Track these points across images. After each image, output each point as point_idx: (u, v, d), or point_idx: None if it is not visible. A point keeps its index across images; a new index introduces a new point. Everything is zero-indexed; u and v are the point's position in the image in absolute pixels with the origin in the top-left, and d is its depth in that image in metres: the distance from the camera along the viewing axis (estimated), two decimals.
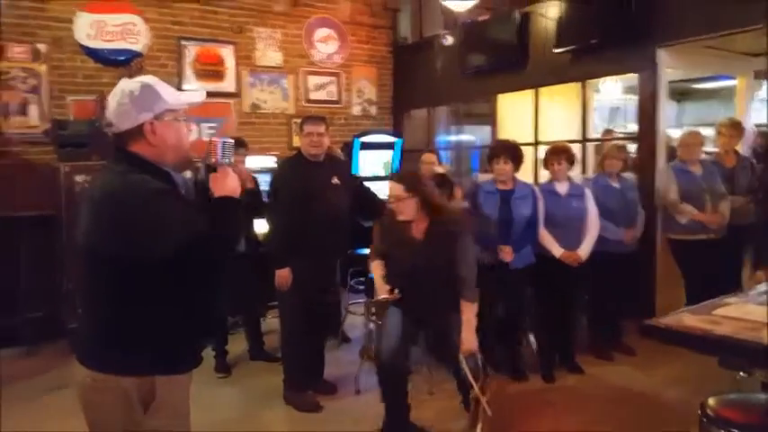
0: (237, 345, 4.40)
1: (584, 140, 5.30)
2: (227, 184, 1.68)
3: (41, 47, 5.03)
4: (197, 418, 1.86)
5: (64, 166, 4.56)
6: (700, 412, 1.96)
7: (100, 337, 1.64)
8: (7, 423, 3.35)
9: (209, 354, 4.09)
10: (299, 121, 4.38)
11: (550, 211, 3.86)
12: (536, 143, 5.63)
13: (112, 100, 1.65)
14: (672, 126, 9.51)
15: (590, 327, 4.30)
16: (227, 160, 1.71)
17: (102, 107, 4.97)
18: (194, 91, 1.73)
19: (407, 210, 2.91)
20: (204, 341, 1.85)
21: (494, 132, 6.35)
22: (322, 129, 3.45)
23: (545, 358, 3.95)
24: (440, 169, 5.16)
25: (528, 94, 5.72)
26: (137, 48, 5.34)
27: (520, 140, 5.46)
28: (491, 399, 2.43)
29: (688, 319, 2.06)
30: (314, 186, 3.38)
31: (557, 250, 3.79)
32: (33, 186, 4.78)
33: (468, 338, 2.85)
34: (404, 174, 3.50)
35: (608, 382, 3.83)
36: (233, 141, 1.76)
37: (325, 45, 6.54)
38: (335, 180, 3.48)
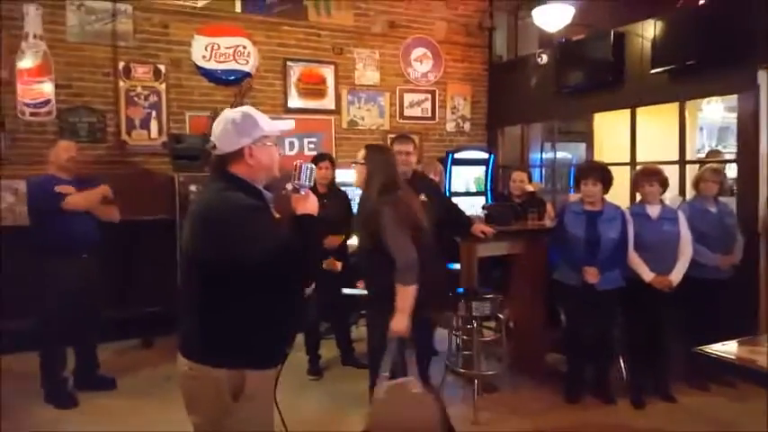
0: (330, 350, 4.61)
1: (683, 162, 5.10)
2: (307, 204, 1.86)
3: (162, 67, 5.51)
4: (285, 415, 2.02)
5: (179, 176, 4.94)
6: None
7: (198, 333, 1.85)
8: (126, 408, 3.74)
9: (303, 357, 4.34)
10: (393, 136, 4.56)
11: (641, 235, 3.79)
12: (633, 163, 5.48)
13: (217, 126, 1.88)
14: None
15: (686, 354, 4.12)
16: (308, 183, 1.90)
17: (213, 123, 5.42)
18: (285, 120, 1.97)
19: (358, 176, 3.05)
20: (290, 341, 2.02)
21: (589, 151, 6.26)
22: (410, 147, 3.59)
23: (634, 384, 3.86)
24: (530, 187, 5.18)
25: (625, 114, 5.59)
26: (246, 68, 5.75)
27: (616, 160, 5.44)
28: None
29: (735, 348, 2.02)
30: None
31: (647, 274, 3.71)
32: (152, 193, 5.22)
33: (397, 320, 2.81)
34: (373, 144, 3.56)
35: (700, 412, 3.69)
36: (314, 167, 1.95)
37: (421, 64, 6.71)
38: (423, 197, 3.61)
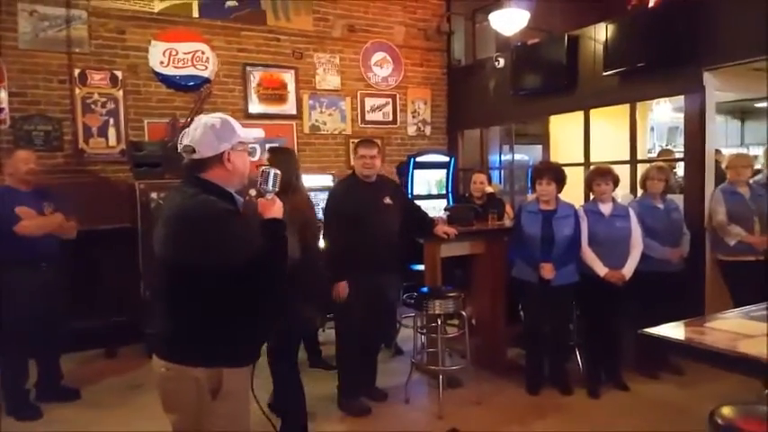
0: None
1: (634, 161, 5.32)
2: (274, 208, 1.94)
3: (119, 73, 5.43)
4: (257, 417, 2.08)
5: (139, 184, 4.88)
6: (708, 419, 2.04)
7: (174, 334, 1.90)
8: (90, 418, 3.70)
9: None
10: (355, 141, 4.63)
11: (594, 231, 3.95)
12: (587, 163, 5.69)
13: (195, 131, 1.92)
14: (735, 146, 9.31)
15: (636, 344, 4.32)
16: (274, 188, 1.97)
17: (173, 129, 5.37)
18: (256, 128, 2.03)
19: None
20: (263, 339, 2.11)
21: (546, 152, 6.45)
22: (374, 152, 3.68)
23: (590, 374, 4.03)
24: (489, 189, 5.33)
25: (579, 115, 5.80)
26: (205, 74, 5.72)
27: (571, 160, 5.63)
28: None
29: (681, 330, 2.17)
30: (366, 205, 3.61)
31: (601, 269, 3.88)
32: (112, 202, 5.17)
33: None
34: (276, 147, 3.69)
35: (652, 398, 3.88)
36: (279, 173, 2.01)
37: (381, 68, 6.80)
38: (387, 200, 3.70)
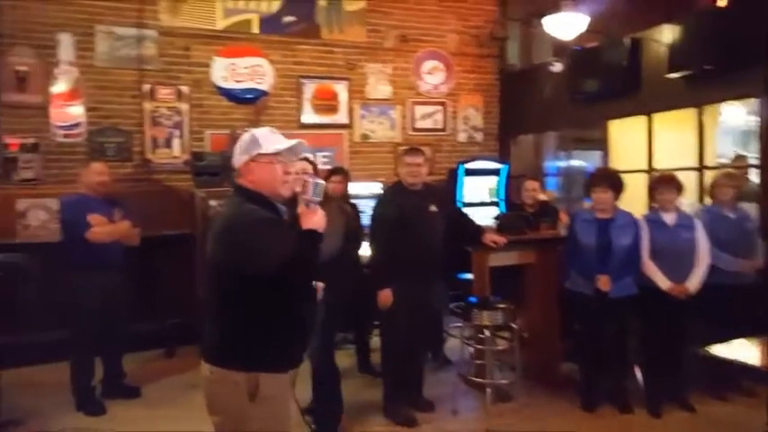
0: (346, 359, 4.67)
1: (701, 168, 5.05)
2: (314, 220, 1.97)
3: (184, 88, 5.74)
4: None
5: (199, 192, 5.13)
6: None
7: (217, 339, 2.00)
8: (150, 416, 3.89)
9: None
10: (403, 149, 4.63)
11: (657, 242, 3.76)
12: (650, 170, 5.45)
13: (236, 146, 2.06)
14: None
15: (703, 362, 4.08)
16: (316, 198, 1.99)
17: (233, 140, 5.58)
18: (294, 140, 2.07)
19: None
20: (301, 347, 2.14)
21: (605, 158, 6.23)
22: (420, 159, 3.68)
23: (651, 392, 3.83)
24: (543, 196, 5.19)
25: (641, 120, 5.57)
26: (263, 87, 5.86)
27: (633, 167, 5.40)
28: None
29: (751, 349, 2.02)
30: (412, 213, 3.61)
31: (663, 283, 3.68)
32: (174, 209, 5.43)
33: None
34: None
35: (720, 421, 3.66)
36: (323, 183, 2.05)
37: (432, 76, 6.80)
38: (433, 207, 3.68)
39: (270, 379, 1.95)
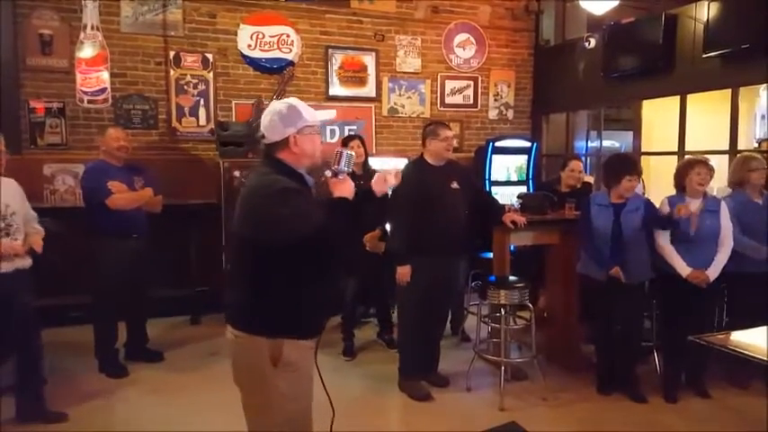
0: (366, 332, 4.76)
1: (734, 151, 4.89)
2: (344, 188, 2.01)
3: (210, 56, 5.70)
4: (316, 393, 2.13)
5: (224, 162, 5.16)
6: None
7: (241, 303, 2.02)
8: (171, 380, 3.99)
9: (338, 337, 4.50)
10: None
11: (681, 227, 3.67)
12: (681, 152, 5.30)
13: (265, 118, 2.03)
14: None
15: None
16: (347, 168, 2.02)
17: (258, 110, 5.58)
18: (327, 110, 2.06)
19: None
20: (325, 316, 2.18)
21: (637, 139, 6.07)
22: (452, 134, 3.66)
23: (668, 378, 3.80)
24: (587, 177, 5.03)
25: (675, 100, 5.40)
26: (290, 57, 5.87)
27: (665, 149, 5.23)
28: None
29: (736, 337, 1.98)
30: (434, 189, 3.58)
31: (683, 269, 3.60)
32: (200, 178, 5.47)
33: None
34: None
35: (734, 409, 3.61)
36: (353, 154, 2.06)
37: (463, 50, 6.64)
38: (455, 184, 3.64)
39: (293, 346, 1.98)
